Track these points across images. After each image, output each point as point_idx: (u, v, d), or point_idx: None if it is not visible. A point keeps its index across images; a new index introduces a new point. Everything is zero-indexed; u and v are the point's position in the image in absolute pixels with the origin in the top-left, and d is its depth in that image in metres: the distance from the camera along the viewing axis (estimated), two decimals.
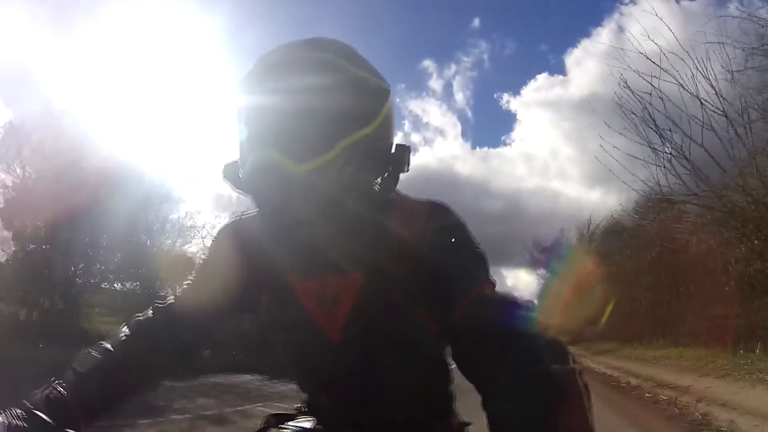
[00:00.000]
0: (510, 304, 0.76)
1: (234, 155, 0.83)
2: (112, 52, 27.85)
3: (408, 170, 0.84)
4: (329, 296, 0.85)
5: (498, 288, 0.81)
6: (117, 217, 12.60)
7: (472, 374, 0.75)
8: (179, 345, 0.93)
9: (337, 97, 0.77)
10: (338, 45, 0.83)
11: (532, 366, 0.66)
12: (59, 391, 0.79)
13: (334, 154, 0.75)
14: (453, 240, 0.83)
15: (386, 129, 0.83)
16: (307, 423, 0.95)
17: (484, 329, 0.73)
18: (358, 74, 0.80)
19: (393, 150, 0.84)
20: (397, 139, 0.87)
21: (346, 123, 0.77)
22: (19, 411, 0.75)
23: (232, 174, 0.83)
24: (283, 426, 0.96)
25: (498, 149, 42.92)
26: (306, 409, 0.98)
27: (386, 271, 0.81)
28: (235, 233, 0.95)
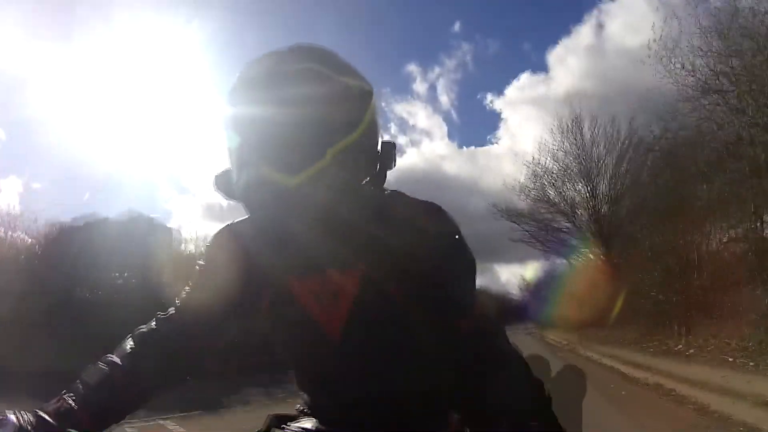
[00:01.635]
0: (501, 330, 0.86)
1: (223, 165, 0.84)
2: (103, 59, 27.95)
3: (395, 166, 0.86)
4: (328, 296, 0.86)
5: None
6: None
7: (460, 385, 0.83)
8: (184, 353, 0.93)
9: (322, 105, 0.78)
10: (318, 52, 0.84)
11: (516, 391, 0.78)
12: (68, 402, 0.80)
13: (325, 161, 0.76)
14: (449, 247, 0.85)
15: (372, 130, 0.84)
16: (308, 423, 0.96)
17: (480, 352, 0.81)
18: (341, 80, 0.81)
19: (379, 148, 0.85)
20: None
21: (334, 130, 0.78)
22: (28, 414, 0.76)
23: (223, 184, 0.84)
24: (284, 426, 0.97)
25: (484, 148, 42.99)
26: (307, 410, 0.99)
27: (384, 271, 0.82)
28: (231, 237, 0.96)
